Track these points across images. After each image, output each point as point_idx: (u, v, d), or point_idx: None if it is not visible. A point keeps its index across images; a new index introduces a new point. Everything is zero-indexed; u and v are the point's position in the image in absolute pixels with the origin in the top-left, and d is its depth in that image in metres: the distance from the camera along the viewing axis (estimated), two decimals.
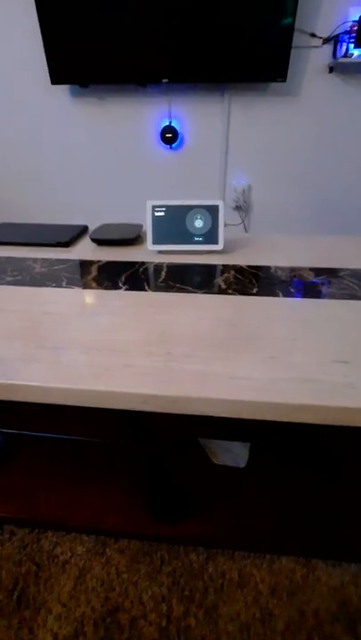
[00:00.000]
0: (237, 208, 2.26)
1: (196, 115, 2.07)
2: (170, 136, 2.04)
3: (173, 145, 2.09)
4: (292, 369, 0.51)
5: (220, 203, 0.90)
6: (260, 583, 0.73)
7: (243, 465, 0.84)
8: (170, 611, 0.69)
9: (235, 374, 0.50)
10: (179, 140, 2.08)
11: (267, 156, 2.15)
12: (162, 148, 2.12)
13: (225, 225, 2.37)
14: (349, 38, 1.86)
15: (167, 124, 2.04)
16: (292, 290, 0.73)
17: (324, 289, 0.74)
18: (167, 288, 0.74)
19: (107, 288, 0.74)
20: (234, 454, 0.84)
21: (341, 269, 0.83)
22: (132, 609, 0.69)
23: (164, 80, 1.85)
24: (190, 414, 0.49)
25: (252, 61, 1.82)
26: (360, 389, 0.47)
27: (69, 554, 0.78)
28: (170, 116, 2.05)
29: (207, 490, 0.81)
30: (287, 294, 0.71)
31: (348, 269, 0.82)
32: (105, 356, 0.53)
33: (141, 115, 2.08)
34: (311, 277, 0.79)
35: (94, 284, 0.76)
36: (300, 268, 0.84)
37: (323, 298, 0.70)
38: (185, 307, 0.67)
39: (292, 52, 1.85)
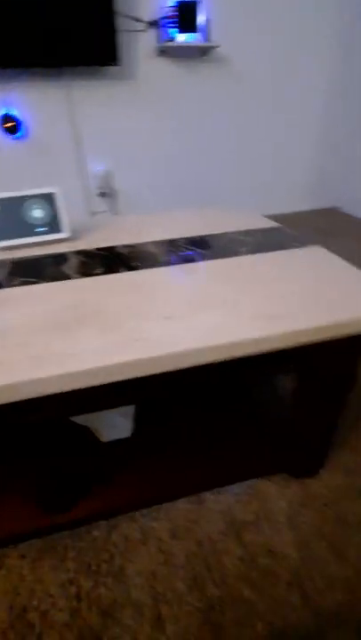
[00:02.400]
0: (103, 195, 2.25)
1: (35, 101, 1.95)
2: (11, 125, 1.89)
3: (17, 135, 1.95)
4: (125, 333, 0.56)
5: (55, 190, 0.89)
6: (160, 532, 0.80)
7: (128, 434, 0.89)
8: (79, 590, 0.71)
9: (71, 351, 0.52)
10: (22, 129, 1.95)
11: (121, 140, 2.18)
12: (4, 139, 1.96)
13: (94, 214, 2.34)
14: (171, 23, 1.96)
15: (5, 112, 1.88)
16: (132, 264, 0.79)
17: (163, 259, 0.81)
18: (11, 284, 0.72)
19: None
20: (118, 428, 0.88)
21: (179, 239, 0.91)
22: (41, 604, 0.70)
23: None
24: (35, 397, 0.50)
25: (80, 44, 1.79)
26: (180, 337, 0.55)
27: None
28: (7, 104, 1.89)
29: (98, 466, 0.84)
30: (128, 269, 0.76)
31: (184, 238, 0.92)
32: None
33: None
34: (153, 250, 0.86)
35: None
36: (145, 244, 0.90)
37: (160, 267, 0.77)
38: (27, 299, 0.66)
39: (121, 36, 1.87)
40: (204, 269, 0.76)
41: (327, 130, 2.52)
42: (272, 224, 1.01)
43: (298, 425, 0.80)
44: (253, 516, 0.82)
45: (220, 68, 2.14)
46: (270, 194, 2.62)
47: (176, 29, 1.95)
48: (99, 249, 0.88)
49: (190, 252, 0.83)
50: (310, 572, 0.73)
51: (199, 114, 2.22)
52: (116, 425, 0.89)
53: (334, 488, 0.87)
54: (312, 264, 0.76)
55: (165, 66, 2.05)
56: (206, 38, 2.01)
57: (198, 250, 0.85)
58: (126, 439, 0.88)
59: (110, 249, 0.88)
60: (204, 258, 0.80)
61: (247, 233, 0.94)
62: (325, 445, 0.86)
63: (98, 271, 0.76)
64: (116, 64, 1.88)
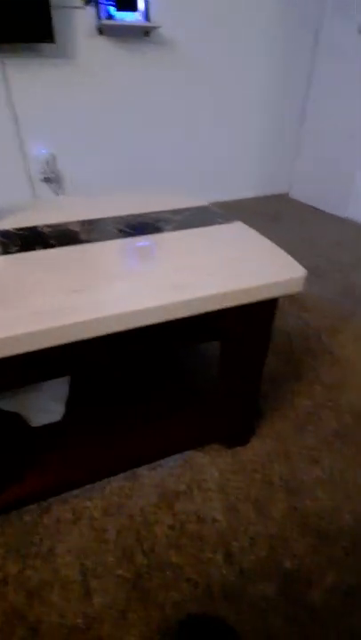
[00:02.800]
0: (47, 180, 2.17)
1: None
2: None
3: None
4: (26, 307, 0.54)
5: None
6: (93, 510, 0.80)
7: (60, 418, 0.87)
8: (6, 575, 0.70)
9: None
10: None
11: (63, 122, 2.10)
12: None
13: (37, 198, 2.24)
14: (110, 0, 1.90)
15: None
16: (50, 242, 0.77)
17: (83, 237, 0.80)
18: None
19: None
20: (49, 412, 0.87)
21: (105, 218, 0.90)
22: None
23: None
24: None
25: (12, 19, 1.69)
26: (83, 308, 0.54)
27: None
28: None
29: (26, 450, 0.82)
30: (44, 247, 0.74)
31: (110, 217, 0.90)
32: None
33: None
34: (75, 228, 0.84)
35: None
36: (68, 223, 0.88)
37: (79, 244, 0.76)
38: None
39: (56, 12, 1.80)
40: (123, 246, 0.75)
41: (273, 118, 2.57)
42: (202, 203, 1.01)
43: (223, 392, 0.83)
44: (185, 486, 0.84)
45: (163, 50, 2.11)
46: (221, 180, 2.65)
47: (114, 7, 1.90)
48: (19, 229, 0.85)
49: (113, 230, 0.83)
50: (236, 533, 0.76)
51: (144, 97, 2.18)
52: (46, 409, 0.87)
53: (263, 454, 0.91)
54: (230, 238, 0.78)
55: (106, 45, 1.99)
56: (147, 18, 1.97)
57: (122, 227, 0.84)
58: (58, 423, 0.87)
59: (31, 228, 0.85)
60: (126, 235, 0.80)
61: (176, 212, 0.94)
62: (252, 412, 0.89)
63: (12, 250, 0.74)
64: (51, 41, 1.80)
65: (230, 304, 0.60)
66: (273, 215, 2.47)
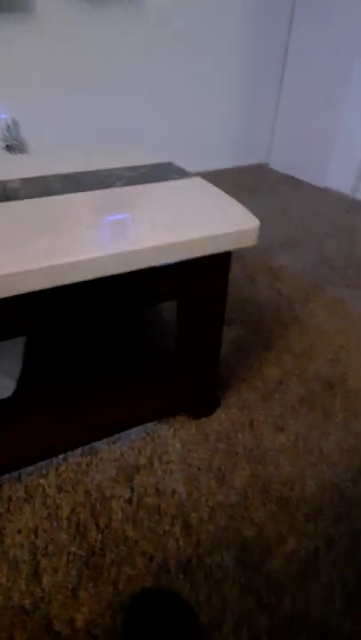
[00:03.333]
0: (9, 148, 2.02)
1: None
2: None
3: None
4: None
5: None
6: (47, 488, 0.76)
7: (9, 394, 0.82)
8: None
9: None
10: None
11: (25, 85, 1.93)
12: None
13: None
14: None
15: None
16: None
17: (22, 193, 0.72)
18: None
19: None
20: None
21: (50, 175, 0.82)
22: None
23: None
24: None
25: None
26: (7, 262, 0.48)
27: None
28: None
29: None
30: None
31: (56, 174, 0.82)
32: None
33: None
34: (15, 185, 0.76)
35: None
36: (10, 180, 0.80)
37: (14, 200, 0.68)
38: None
39: None
40: (63, 201, 0.68)
41: (250, 84, 2.44)
42: (162, 161, 0.94)
43: (182, 357, 0.78)
44: (146, 459, 0.81)
45: (134, 7, 1.94)
46: (196, 150, 2.53)
47: None
48: None
49: (56, 186, 0.75)
50: (196, 504, 0.73)
51: (112, 58, 2.02)
52: None
53: (229, 424, 0.88)
54: (184, 192, 0.72)
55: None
56: None
57: (67, 183, 0.76)
58: (8, 399, 0.82)
59: None
60: (67, 191, 0.72)
61: (131, 169, 0.87)
62: (215, 380, 0.86)
63: None
64: None
65: (174, 258, 0.55)
66: (250, 185, 2.39)
